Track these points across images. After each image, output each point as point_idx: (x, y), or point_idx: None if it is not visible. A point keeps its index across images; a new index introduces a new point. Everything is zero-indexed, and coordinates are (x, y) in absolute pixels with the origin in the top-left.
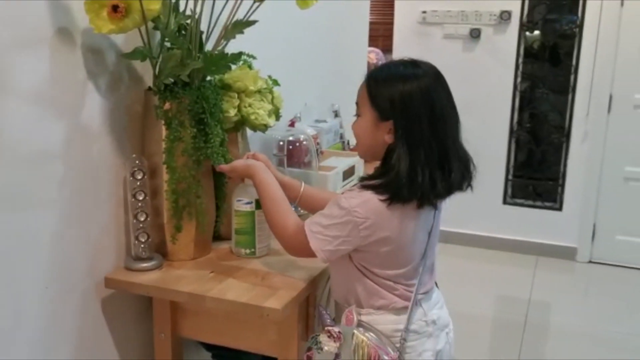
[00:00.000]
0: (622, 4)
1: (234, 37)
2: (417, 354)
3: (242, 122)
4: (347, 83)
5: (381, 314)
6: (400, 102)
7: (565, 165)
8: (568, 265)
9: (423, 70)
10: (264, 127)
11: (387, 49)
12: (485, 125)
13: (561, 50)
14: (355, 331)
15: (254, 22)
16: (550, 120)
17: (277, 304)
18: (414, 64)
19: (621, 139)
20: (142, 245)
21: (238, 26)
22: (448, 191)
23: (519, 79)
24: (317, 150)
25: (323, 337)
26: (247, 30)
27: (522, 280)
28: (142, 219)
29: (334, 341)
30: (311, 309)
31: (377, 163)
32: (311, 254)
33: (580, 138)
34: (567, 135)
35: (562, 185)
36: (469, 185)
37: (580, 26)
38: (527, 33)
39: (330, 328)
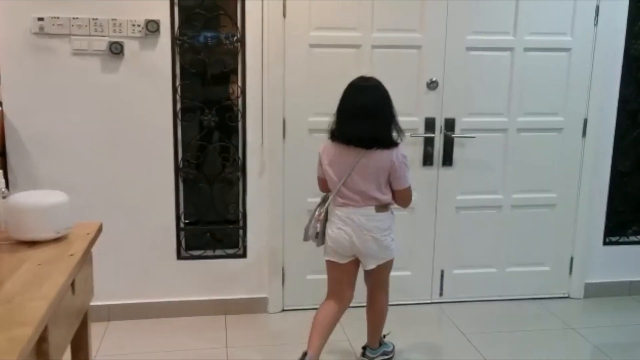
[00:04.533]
0: (284, 15)
1: None
2: (331, 225)
3: None
4: None
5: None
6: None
7: (244, 204)
8: (260, 320)
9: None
10: None
11: None
12: (144, 165)
13: (225, 70)
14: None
15: None
16: (222, 152)
17: None
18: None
19: (300, 168)
20: None
21: None
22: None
23: (179, 105)
24: None
25: (313, 222)
26: None
27: (213, 348)
28: None
29: (316, 221)
30: None
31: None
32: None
33: (257, 171)
34: (243, 169)
35: (244, 228)
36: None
37: (242, 41)
38: (183, 48)
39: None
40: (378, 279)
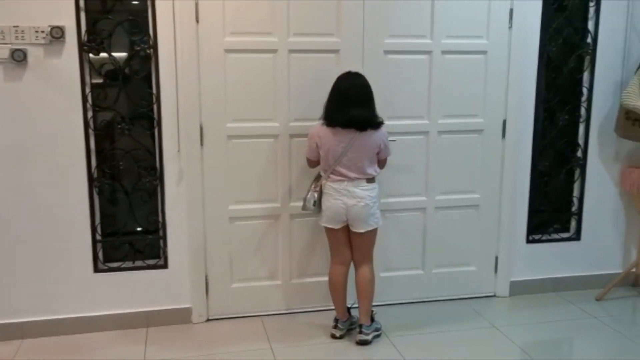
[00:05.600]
0: (197, 21)
1: None
2: (327, 197)
3: None
4: None
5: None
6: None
7: (164, 213)
8: (184, 330)
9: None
10: None
11: None
12: (55, 176)
13: (138, 76)
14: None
15: None
16: (138, 161)
17: None
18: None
19: (220, 175)
20: None
21: None
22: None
23: (90, 114)
24: None
25: (310, 194)
26: None
27: None
28: None
29: (313, 192)
30: None
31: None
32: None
33: (175, 179)
34: (161, 177)
35: (164, 238)
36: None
37: (155, 47)
38: (92, 55)
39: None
40: (364, 248)
